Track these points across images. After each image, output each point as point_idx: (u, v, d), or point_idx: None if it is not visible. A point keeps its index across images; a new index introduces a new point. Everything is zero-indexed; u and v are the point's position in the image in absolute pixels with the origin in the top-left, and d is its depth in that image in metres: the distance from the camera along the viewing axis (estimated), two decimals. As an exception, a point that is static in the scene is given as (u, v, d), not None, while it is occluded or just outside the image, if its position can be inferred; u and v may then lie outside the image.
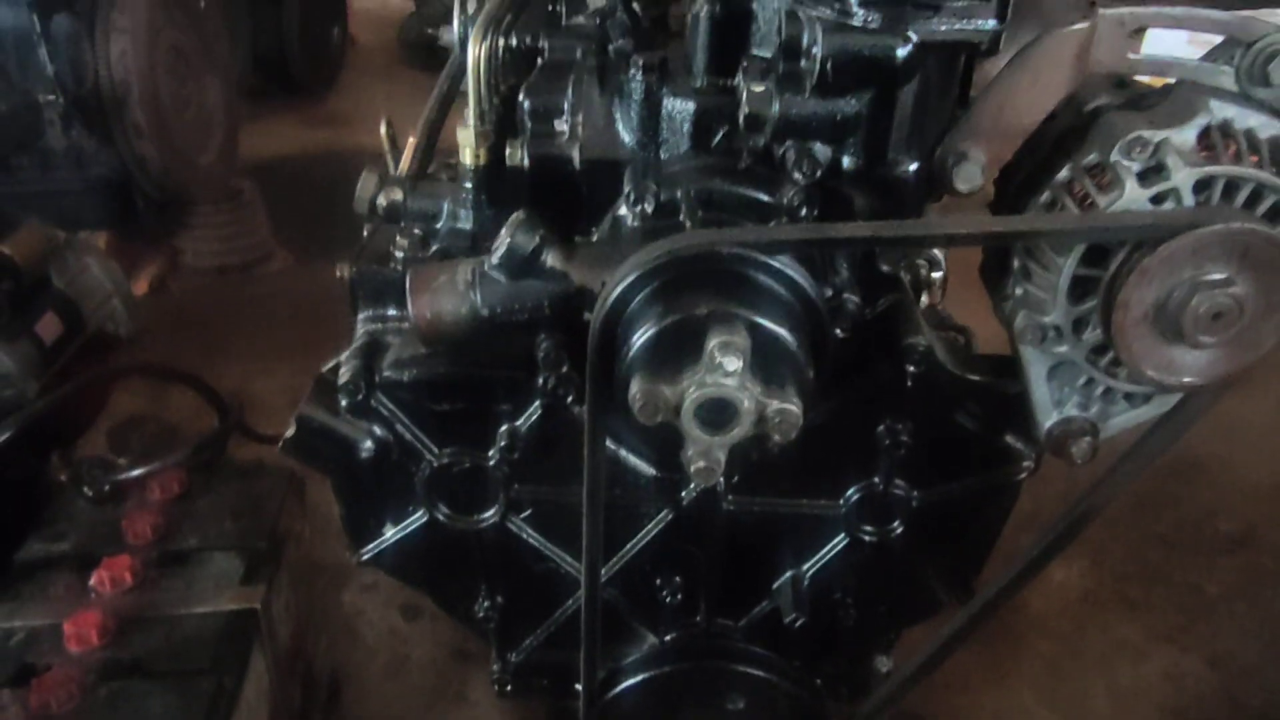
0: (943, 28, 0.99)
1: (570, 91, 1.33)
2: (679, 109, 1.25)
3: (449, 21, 5.73)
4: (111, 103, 3.55)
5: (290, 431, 1.37)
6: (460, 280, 1.20)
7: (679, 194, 1.20)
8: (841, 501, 1.41)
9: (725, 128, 1.24)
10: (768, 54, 1.22)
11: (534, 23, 1.62)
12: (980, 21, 0.99)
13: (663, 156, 1.28)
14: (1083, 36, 1.05)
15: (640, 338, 1.03)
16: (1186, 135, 1.05)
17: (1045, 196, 1.14)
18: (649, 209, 1.18)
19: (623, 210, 1.23)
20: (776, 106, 1.06)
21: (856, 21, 1.00)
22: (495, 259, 1.18)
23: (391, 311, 1.39)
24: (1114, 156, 1.07)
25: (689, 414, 1.01)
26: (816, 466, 1.37)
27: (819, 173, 1.08)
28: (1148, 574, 2.68)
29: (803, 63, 1.06)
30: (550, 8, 1.63)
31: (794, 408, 1.01)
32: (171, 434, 3.31)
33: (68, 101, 3.50)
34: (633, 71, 1.25)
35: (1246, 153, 1.06)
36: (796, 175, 1.08)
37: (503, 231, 1.18)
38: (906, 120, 1.06)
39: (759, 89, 1.06)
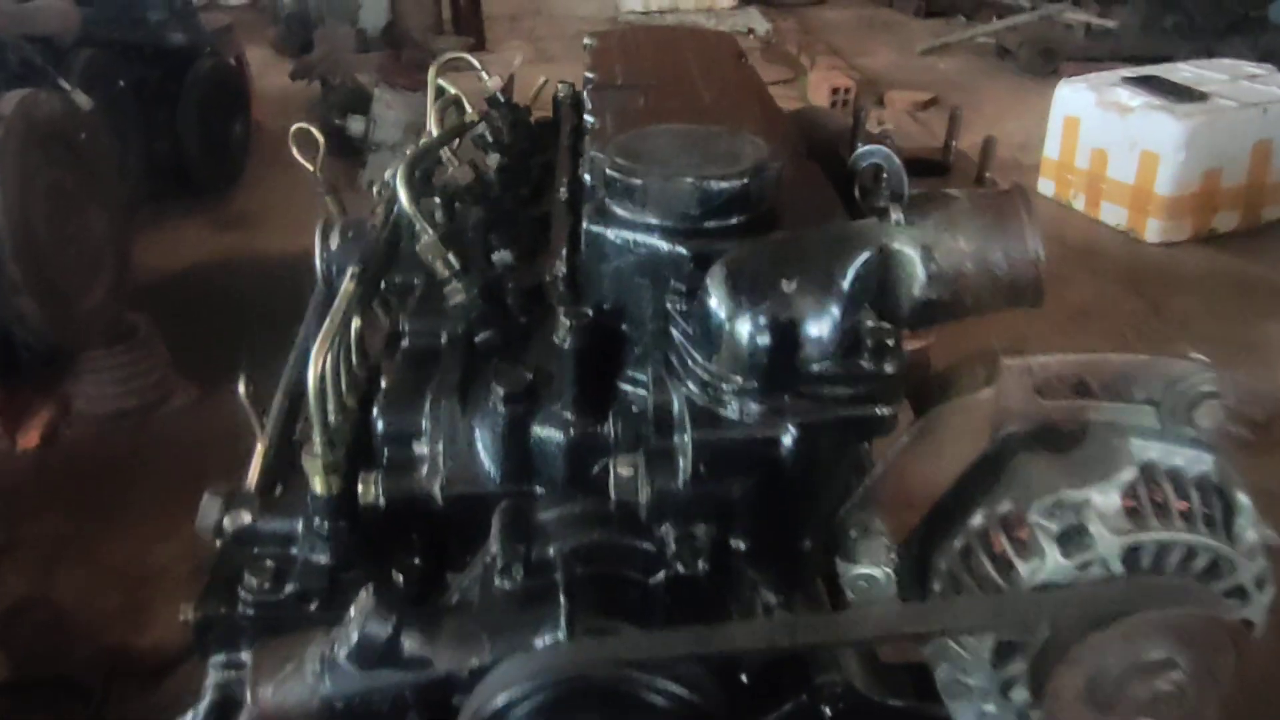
0: (829, 417, 0.86)
1: (428, 407, 1.18)
2: (550, 440, 1.11)
3: (355, 110, 5.45)
4: (-18, 258, 3.32)
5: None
6: (309, 670, 1.04)
7: (553, 551, 1.05)
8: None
9: (604, 459, 1.10)
10: (644, 377, 1.09)
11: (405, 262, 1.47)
12: (871, 409, 0.86)
13: (537, 489, 1.14)
14: (988, 402, 0.93)
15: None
16: (1110, 498, 0.94)
17: (959, 543, 1.02)
18: (518, 576, 1.03)
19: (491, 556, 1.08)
20: (647, 493, 0.92)
21: (730, 412, 0.87)
22: (345, 651, 1.02)
23: (245, 656, 1.23)
24: (1033, 516, 0.95)
25: None
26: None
27: (701, 561, 0.94)
28: None
29: (675, 439, 0.93)
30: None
31: None
32: (61, 620, 3.08)
33: (-66, 259, 3.26)
34: (493, 402, 1.10)
35: (1174, 501, 0.95)
36: (678, 567, 0.94)
37: (352, 615, 1.03)
38: (797, 500, 0.93)
39: (626, 471, 0.93)
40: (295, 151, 1.85)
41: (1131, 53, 7.13)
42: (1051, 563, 0.94)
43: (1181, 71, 5.30)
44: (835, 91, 6.71)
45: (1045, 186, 5.34)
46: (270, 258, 5.19)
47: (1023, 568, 0.95)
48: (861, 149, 1.20)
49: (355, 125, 6.05)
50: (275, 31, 8.81)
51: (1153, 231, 4.90)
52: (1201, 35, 7.38)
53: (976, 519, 1.00)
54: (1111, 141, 5.00)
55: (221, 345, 4.30)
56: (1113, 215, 5.06)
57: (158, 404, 3.99)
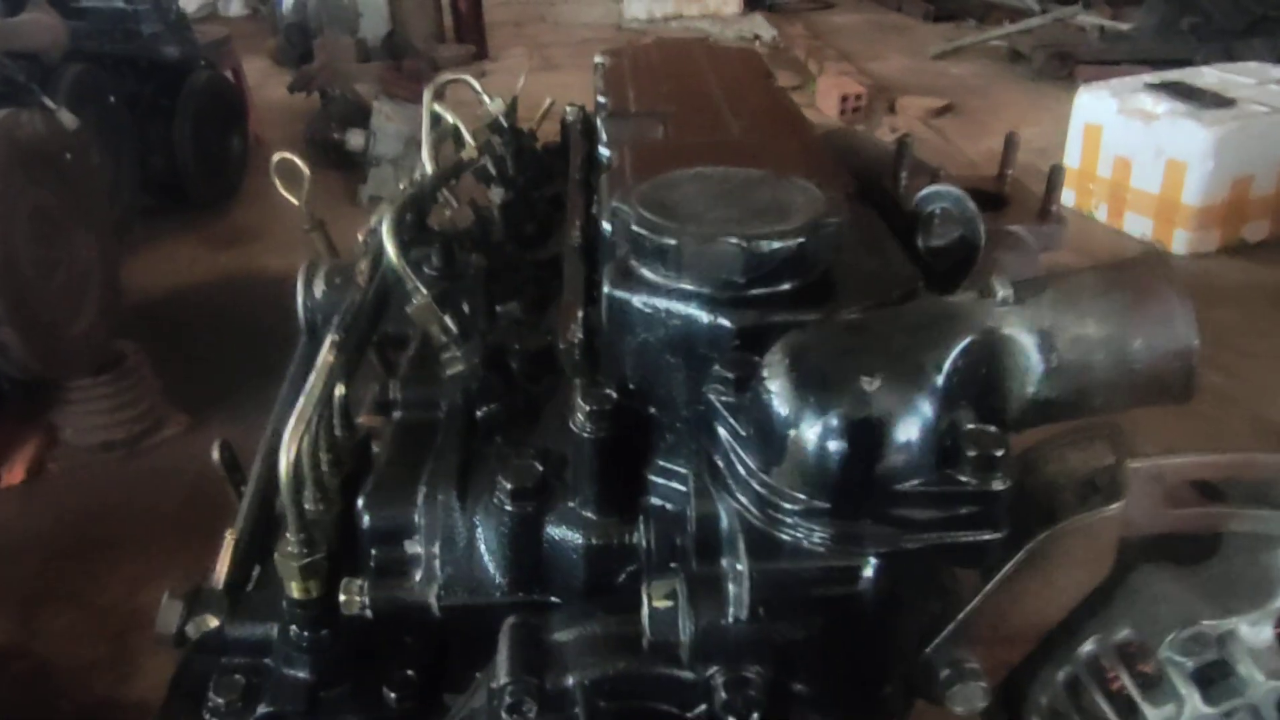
0: (916, 546, 0.69)
1: (422, 500, 1.00)
2: (566, 543, 0.93)
3: (355, 123, 5.25)
4: (-40, 287, 3.15)
5: None
6: (279, 827, 0.87)
7: (571, 681, 0.88)
8: None
9: (631, 566, 0.93)
10: (683, 470, 0.91)
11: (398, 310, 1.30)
12: (972, 534, 0.69)
13: (551, 598, 0.96)
14: (1114, 522, 0.75)
15: None
16: (1262, 631, 0.76)
17: (1064, 673, 0.84)
18: (530, 714, 0.86)
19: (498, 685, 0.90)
20: (690, 631, 0.75)
21: (794, 535, 0.70)
22: (322, 806, 0.85)
23: (211, 787, 1.05)
24: (1164, 652, 0.77)
25: None
26: None
27: (756, 715, 0.76)
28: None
29: (724, 564, 0.75)
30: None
31: None
32: (43, 671, 2.91)
33: (-88, 288, 3.10)
34: (498, 497, 0.93)
35: (1335, 631, 0.78)
36: (727, 719, 0.76)
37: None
38: (876, 640, 0.75)
39: (663, 604, 0.75)
40: (279, 184, 1.68)
41: (1148, 55, 6.95)
42: (1190, 710, 0.76)
43: (1205, 76, 5.13)
44: (845, 99, 6.53)
45: (1066, 196, 5.15)
46: (268, 276, 5.02)
47: (1151, 714, 0.77)
48: (927, 190, 1.03)
49: (355, 139, 5.88)
50: (275, 42, 8.67)
51: (1180, 243, 4.72)
52: (1220, 37, 7.19)
53: (1087, 645, 0.82)
54: (1135, 150, 4.83)
55: (215, 370, 4.15)
56: (1137, 226, 4.89)
57: (146, 434, 3.83)
